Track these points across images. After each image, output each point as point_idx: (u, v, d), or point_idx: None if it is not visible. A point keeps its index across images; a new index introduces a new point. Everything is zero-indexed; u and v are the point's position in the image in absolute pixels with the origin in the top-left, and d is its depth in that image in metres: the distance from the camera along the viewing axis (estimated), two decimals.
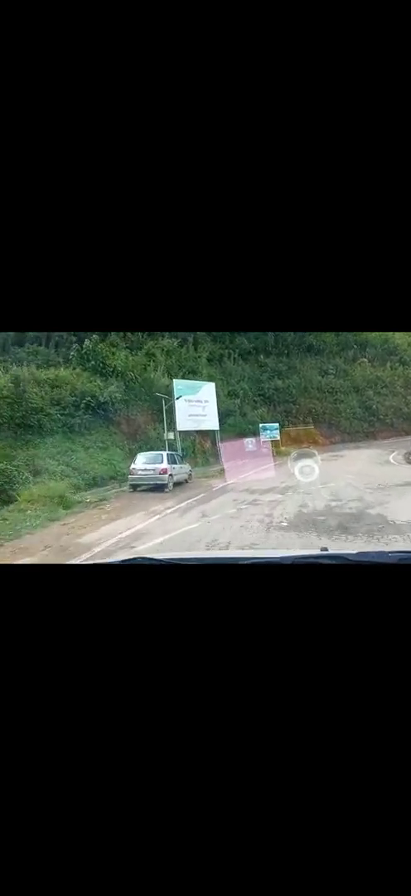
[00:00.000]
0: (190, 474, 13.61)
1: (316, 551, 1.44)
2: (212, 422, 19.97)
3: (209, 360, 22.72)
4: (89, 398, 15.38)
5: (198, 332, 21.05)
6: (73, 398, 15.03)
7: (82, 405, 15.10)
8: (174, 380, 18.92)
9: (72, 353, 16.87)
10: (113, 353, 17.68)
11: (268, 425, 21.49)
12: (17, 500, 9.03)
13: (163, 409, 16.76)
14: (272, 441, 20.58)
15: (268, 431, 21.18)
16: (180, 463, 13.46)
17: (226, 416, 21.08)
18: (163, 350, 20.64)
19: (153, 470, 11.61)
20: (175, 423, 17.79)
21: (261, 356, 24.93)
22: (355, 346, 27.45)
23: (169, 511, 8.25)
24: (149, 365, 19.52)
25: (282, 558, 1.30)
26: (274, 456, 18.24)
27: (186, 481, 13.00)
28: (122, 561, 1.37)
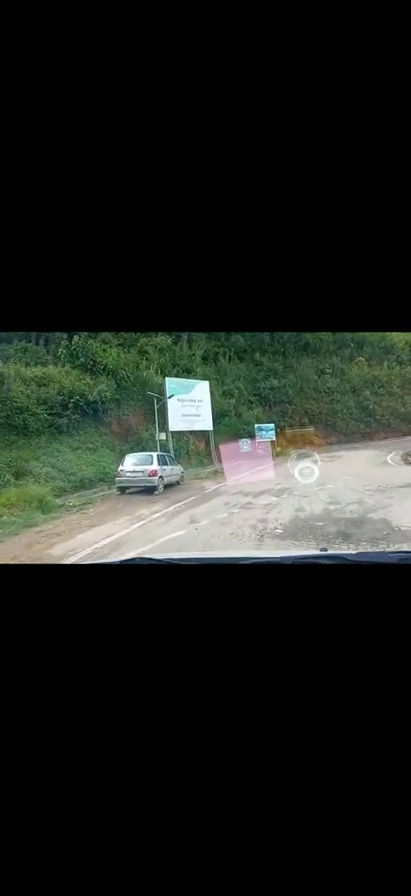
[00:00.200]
0: (182, 476, 13.23)
1: (316, 551, 1.48)
2: (206, 422, 19.47)
3: (204, 358, 22.29)
4: (78, 397, 14.82)
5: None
6: (61, 397, 14.45)
7: (70, 404, 14.55)
8: (166, 378, 18.39)
9: (61, 350, 16.22)
10: (104, 351, 16.99)
11: (263, 426, 21.21)
12: None
13: (154, 409, 16.21)
14: (268, 442, 20.17)
15: (264, 432, 20.85)
16: (171, 464, 13.05)
17: (221, 417, 20.65)
18: (156, 347, 20.12)
19: (142, 472, 11.15)
20: (167, 423, 17.27)
21: (257, 354, 24.56)
22: (352, 345, 27.17)
23: (155, 516, 7.74)
24: (141, 363, 18.97)
25: (282, 558, 1.30)
26: (273, 457, 17.84)
27: (178, 483, 12.61)
28: (122, 561, 1.39)
